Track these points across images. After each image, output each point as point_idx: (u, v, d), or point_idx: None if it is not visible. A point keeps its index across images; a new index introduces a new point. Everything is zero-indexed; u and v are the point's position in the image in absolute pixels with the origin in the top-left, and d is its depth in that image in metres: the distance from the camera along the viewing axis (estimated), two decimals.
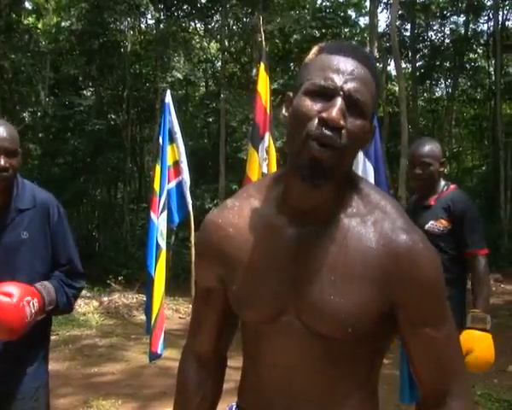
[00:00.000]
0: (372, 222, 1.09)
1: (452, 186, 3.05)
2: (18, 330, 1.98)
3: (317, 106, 1.03)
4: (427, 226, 2.93)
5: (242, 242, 1.16)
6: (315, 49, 1.12)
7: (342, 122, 1.01)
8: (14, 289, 1.96)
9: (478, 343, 2.63)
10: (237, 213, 1.19)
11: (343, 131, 1.02)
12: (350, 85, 1.03)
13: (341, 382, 1.12)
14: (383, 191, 1.19)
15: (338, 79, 1.03)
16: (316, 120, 1.02)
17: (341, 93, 1.03)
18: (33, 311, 2.00)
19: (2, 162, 2.04)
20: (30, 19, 19.35)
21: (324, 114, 1.01)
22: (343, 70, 1.04)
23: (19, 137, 2.16)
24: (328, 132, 1.01)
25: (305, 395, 1.13)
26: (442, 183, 3.05)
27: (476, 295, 2.81)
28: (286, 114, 1.12)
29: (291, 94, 1.12)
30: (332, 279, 1.07)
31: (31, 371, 2.22)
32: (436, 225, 2.93)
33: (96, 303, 10.53)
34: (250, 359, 1.23)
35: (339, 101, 1.02)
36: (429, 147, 2.98)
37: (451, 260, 2.90)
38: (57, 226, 2.24)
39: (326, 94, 1.03)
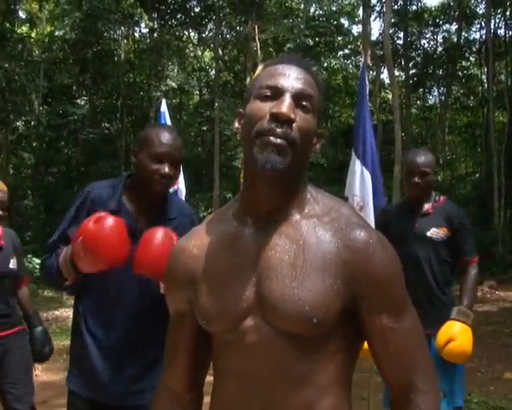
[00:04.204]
0: (328, 221, 1.13)
1: (443, 197, 3.22)
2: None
3: (267, 106, 1.09)
4: (429, 233, 3.05)
5: (206, 259, 1.19)
6: (261, 67, 1.22)
7: (292, 115, 1.07)
8: None
9: (460, 334, 2.78)
10: (200, 235, 1.23)
11: (294, 125, 1.08)
12: (296, 84, 1.11)
13: (313, 384, 1.10)
14: (336, 197, 1.23)
15: (284, 80, 1.11)
16: (267, 117, 1.08)
17: (289, 91, 1.10)
18: None
19: (167, 170, 2.03)
20: (23, 28, 19.39)
21: (275, 109, 1.07)
22: (288, 74, 1.12)
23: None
24: (279, 129, 1.06)
25: (277, 403, 1.11)
26: (433, 192, 3.20)
27: (464, 295, 3.00)
28: (238, 126, 1.17)
29: (242, 110, 1.17)
30: (293, 274, 1.09)
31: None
32: (438, 232, 3.05)
33: None
34: (220, 375, 1.20)
35: (287, 97, 1.09)
36: (427, 156, 3.12)
37: (447, 265, 3.09)
38: None
39: (275, 95, 1.10)
